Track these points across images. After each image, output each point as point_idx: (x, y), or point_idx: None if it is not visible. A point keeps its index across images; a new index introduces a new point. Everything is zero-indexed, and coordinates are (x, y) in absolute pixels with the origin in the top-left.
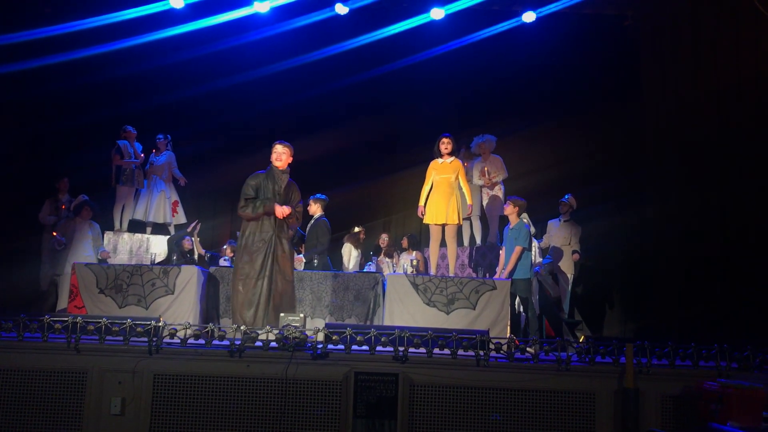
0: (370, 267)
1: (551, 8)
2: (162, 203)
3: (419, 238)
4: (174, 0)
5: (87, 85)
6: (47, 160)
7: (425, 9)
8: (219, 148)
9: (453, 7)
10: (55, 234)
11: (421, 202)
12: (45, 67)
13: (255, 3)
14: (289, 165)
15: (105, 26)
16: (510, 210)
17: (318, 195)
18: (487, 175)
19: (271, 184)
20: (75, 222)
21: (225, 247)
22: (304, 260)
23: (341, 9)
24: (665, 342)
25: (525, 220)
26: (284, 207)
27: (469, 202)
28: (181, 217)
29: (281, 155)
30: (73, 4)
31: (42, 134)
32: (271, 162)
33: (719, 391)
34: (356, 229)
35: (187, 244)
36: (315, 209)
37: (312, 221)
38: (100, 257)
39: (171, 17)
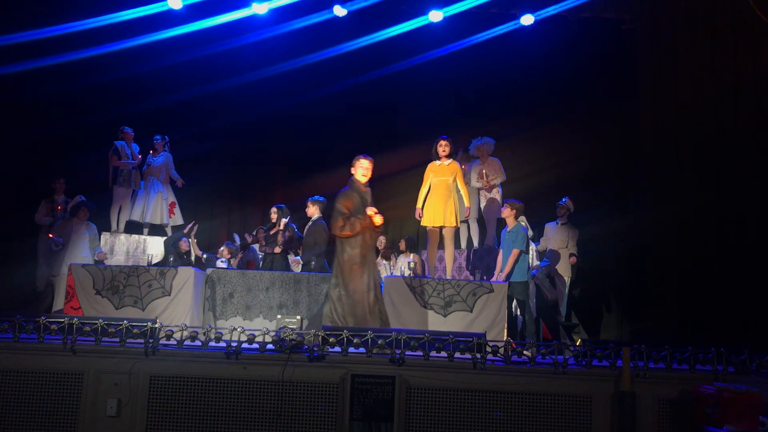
0: None
1: (549, 11)
2: (159, 204)
3: (417, 240)
4: (172, 1)
5: (84, 86)
6: (44, 160)
7: (424, 11)
8: (217, 150)
9: (451, 10)
10: (51, 236)
11: (419, 205)
12: (41, 68)
13: (253, 4)
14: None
15: (103, 27)
16: (507, 213)
17: (316, 197)
18: (485, 178)
19: (360, 199)
20: (72, 223)
21: (222, 248)
22: (302, 262)
23: (339, 11)
24: (662, 345)
25: (523, 223)
26: (380, 215)
27: (466, 204)
28: (178, 219)
29: (368, 170)
30: (70, 4)
31: (38, 135)
32: (352, 176)
33: (716, 395)
34: None
35: (183, 245)
36: (313, 211)
37: (310, 223)
38: (96, 258)
39: (169, 18)
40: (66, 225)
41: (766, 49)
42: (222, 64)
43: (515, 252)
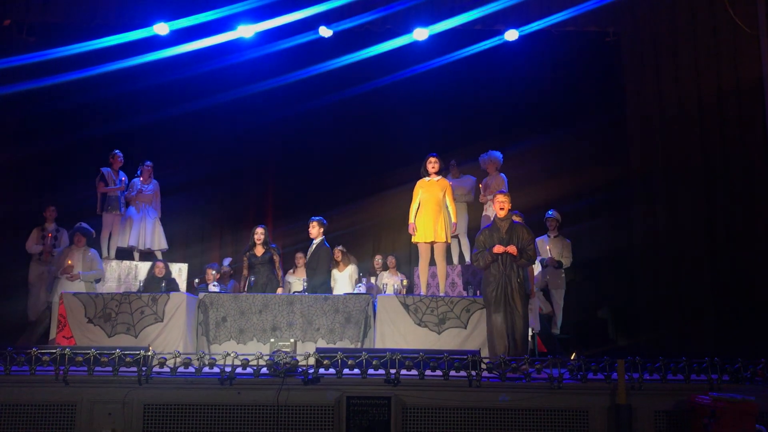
0: (360, 288)
1: (533, 27)
2: (157, 230)
3: (409, 257)
4: (158, 27)
5: (72, 112)
6: (34, 188)
7: (408, 30)
8: (205, 176)
9: (436, 28)
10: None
11: (411, 220)
12: (31, 93)
13: (239, 27)
14: (510, 210)
15: (88, 54)
16: None
17: (321, 218)
18: (482, 192)
19: (495, 233)
20: (70, 250)
21: (213, 273)
22: (305, 285)
23: (325, 32)
24: (656, 357)
25: None
26: (499, 246)
27: (453, 220)
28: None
29: (504, 204)
30: (58, 35)
31: (28, 163)
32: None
33: (711, 404)
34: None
35: (158, 268)
36: (317, 232)
37: (314, 246)
38: (60, 274)
39: (156, 44)
40: (65, 253)
41: (747, 56)
42: (205, 86)
43: (531, 268)
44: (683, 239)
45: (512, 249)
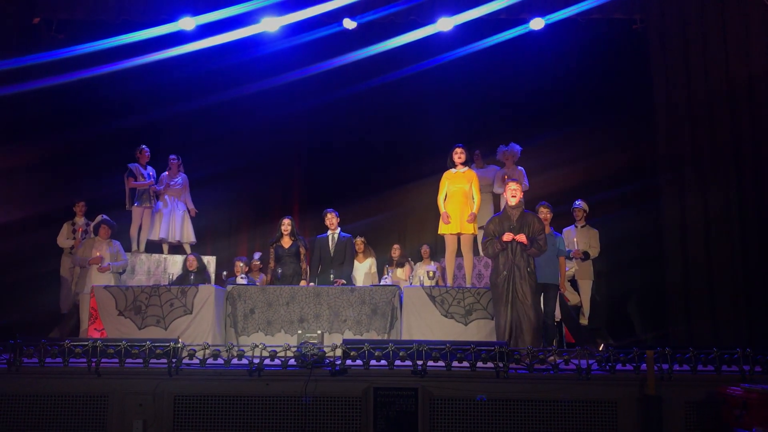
0: (386, 280)
1: (559, 15)
2: (187, 223)
3: (435, 248)
4: (184, 22)
5: (103, 105)
6: (64, 183)
7: (433, 20)
8: (231, 168)
9: (460, 18)
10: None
11: (442, 210)
12: (59, 89)
13: (263, 20)
14: (521, 200)
15: (116, 48)
16: (545, 217)
17: (332, 209)
18: (504, 183)
19: (506, 222)
20: (94, 242)
21: (242, 265)
22: (333, 278)
23: (349, 24)
24: (686, 348)
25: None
26: (508, 234)
27: (474, 210)
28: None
29: (515, 192)
30: (84, 29)
31: (58, 158)
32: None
33: (743, 396)
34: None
35: (190, 261)
36: (336, 223)
37: (336, 238)
38: (89, 263)
39: (182, 38)
40: (89, 244)
41: None
42: (231, 80)
43: (562, 259)
44: (714, 228)
45: (522, 237)
